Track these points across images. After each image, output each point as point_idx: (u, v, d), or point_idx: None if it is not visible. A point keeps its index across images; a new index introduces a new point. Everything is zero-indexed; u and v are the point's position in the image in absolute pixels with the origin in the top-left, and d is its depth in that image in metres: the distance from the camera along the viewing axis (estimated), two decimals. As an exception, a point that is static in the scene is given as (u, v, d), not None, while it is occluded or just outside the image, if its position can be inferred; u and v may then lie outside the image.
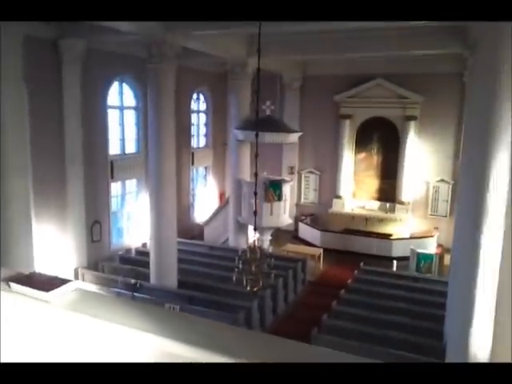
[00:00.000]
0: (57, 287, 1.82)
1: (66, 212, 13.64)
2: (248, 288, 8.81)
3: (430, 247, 16.54)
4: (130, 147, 16.62)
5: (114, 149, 15.73)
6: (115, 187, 16.05)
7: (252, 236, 8.99)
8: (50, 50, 12.75)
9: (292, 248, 17.06)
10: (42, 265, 11.16)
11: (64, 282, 1.88)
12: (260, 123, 9.04)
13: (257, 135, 8.31)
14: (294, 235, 19.53)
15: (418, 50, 13.75)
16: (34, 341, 1.76)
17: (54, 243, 13.20)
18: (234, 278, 9.49)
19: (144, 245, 16.07)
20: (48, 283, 1.84)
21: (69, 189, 13.65)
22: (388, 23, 9.81)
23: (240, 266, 8.88)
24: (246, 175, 16.02)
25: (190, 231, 18.63)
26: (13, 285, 1.85)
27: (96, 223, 14.84)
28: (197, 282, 13.09)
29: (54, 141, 13.18)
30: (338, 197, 19.94)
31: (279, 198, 15.14)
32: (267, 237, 15.47)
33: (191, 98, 19.66)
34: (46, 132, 12.72)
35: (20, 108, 8.78)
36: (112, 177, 15.49)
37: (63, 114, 13.32)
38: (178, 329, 1.69)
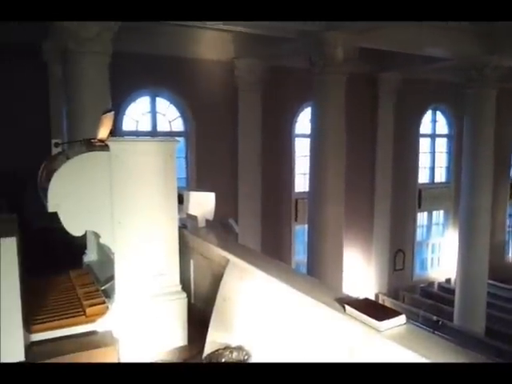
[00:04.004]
0: (388, 318, 1.81)
1: (372, 240, 14.23)
2: None
3: None
4: (439, 176, 16.05)
5: (422, 177, 15.51)
6: (421, 217, 15.72)
7: None
8: (366, 83, 13.49)
9: None
10: (347, 288, 11.83)
11: (395, 313, 1.86)
12: None
13: None
14: None
15: None
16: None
17: (358, 268, 13.88)
18: None
19: (448, 280, 15.12)
20: (379, 312, 1.87)
21: (376, 221, 14.20)
22: None
23: None
24: None
25: (502, 273, 16.40)
26: (348, 308, 1.96)
27: (399, 252, 14.86)
28: (509, 333, 11.37)
29: (365, 175, 13.88)
30: None
31: None
32: None
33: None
34: (357, 167, 13.08)
35: (340, 147, 9.61)
36: (419, 206, 15.26)
37: (376, 147, 13.94)
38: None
